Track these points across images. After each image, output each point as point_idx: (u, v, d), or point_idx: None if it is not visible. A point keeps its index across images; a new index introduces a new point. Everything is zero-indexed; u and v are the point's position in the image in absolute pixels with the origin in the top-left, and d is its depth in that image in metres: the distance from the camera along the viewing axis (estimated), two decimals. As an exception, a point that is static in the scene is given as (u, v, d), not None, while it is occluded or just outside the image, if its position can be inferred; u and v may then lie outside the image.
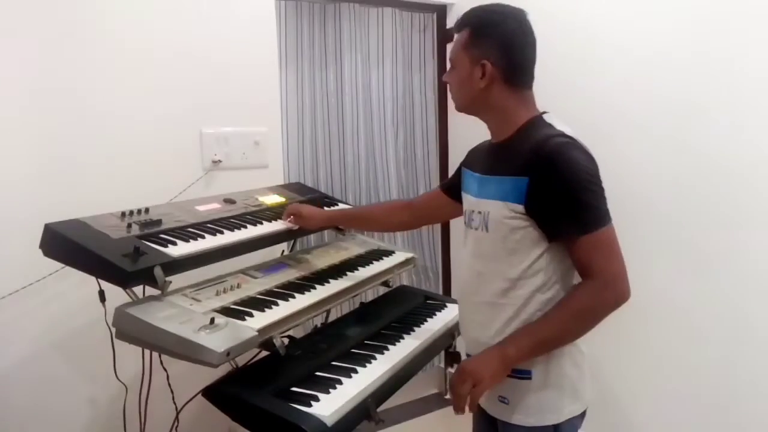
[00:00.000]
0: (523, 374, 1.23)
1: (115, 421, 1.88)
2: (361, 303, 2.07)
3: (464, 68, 1.26)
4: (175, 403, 1.84)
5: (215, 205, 1.81)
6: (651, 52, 1.99)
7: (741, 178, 1.78)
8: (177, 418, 1.85)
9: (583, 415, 1.31)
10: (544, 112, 1.29)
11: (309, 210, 1.81)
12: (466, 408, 1.19)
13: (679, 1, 1.90)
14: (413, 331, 1.77)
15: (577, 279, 1.22)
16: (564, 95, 2.31)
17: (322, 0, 2.59)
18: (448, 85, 1.35)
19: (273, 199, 1.97)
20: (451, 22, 2.83)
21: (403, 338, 1.71)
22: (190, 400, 1.74)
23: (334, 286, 1.66)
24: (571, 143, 1.18)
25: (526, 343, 1.18)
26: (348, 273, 1.77)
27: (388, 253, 2.01)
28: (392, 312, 1.90)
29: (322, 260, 1.85)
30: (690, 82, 1.88)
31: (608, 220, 1.17)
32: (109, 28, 1.96)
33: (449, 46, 2.92)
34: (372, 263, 1.88)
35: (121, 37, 1.98)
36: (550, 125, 1.23)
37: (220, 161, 2.19)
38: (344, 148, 2.77)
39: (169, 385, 1.84)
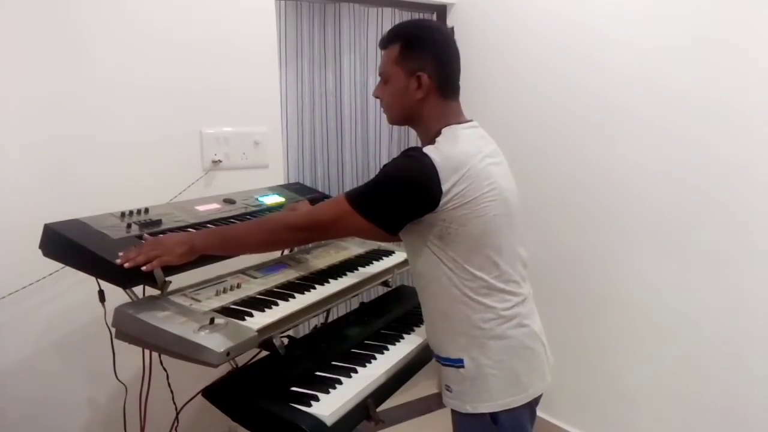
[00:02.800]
0: (456, 363, 1.32)
1: (115, 421, 1.89)
2: (361, 303, 2.07)
3: (399, 81, 1.33)
4: (175, 403, 1.84)
5: (215, 206, 1.81)
6: (652, 48, 1.99)
7: (744, 176, 1.78)
8: (177, 418, 1.85)
9: (530, 407, 1.35)
10: (458, 123, 1.33)
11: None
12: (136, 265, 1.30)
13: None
14: (413, 330, 1.76)
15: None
16: (565, 93, 2.32)
17: (322, 0, 2.59)
18: (379, 100, 1.42)
19: (273, 199, 1.97)
20: (451, 22, 2.83)
21: (402, 338, 1.71)
22: (190, 400, 1.74)
23: (334, 286, 1.66)
24: (413, 158, 1.24)
25: (213, 238, 1.39)
26: (348, 273, 1.77)
27: (388, 253, 2.01)
28: (392, 312, 1.90)
29: (321, 260, 1.85)
30: (692, 79, 1.88)
31: (360, 207, 1.26)
32: (108, 28, 1.95)
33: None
34: (372, 263, 1.88)
35: (120, 37, 1.98)
36: (436, 142, 1.28)
37: (220, 161, 2.19)
38: (342, 147, 2.78)
39: (169, 385, 1.84)
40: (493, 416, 1.30)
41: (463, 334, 1.30)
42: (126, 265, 1.30)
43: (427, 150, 1.24)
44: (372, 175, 2.95)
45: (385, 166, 1.31)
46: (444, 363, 1.36)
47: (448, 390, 1.36)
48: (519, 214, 1.36)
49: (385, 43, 1.36)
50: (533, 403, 1.36)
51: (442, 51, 1.32)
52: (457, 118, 1.35)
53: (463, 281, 1.27)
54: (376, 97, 1.42)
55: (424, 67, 1.30)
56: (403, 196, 1.24)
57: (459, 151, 1.25)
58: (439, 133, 1.30)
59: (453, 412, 1.38)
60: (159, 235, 1.45)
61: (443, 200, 1.21)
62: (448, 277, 1.28)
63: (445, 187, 1.21)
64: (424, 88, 1.30)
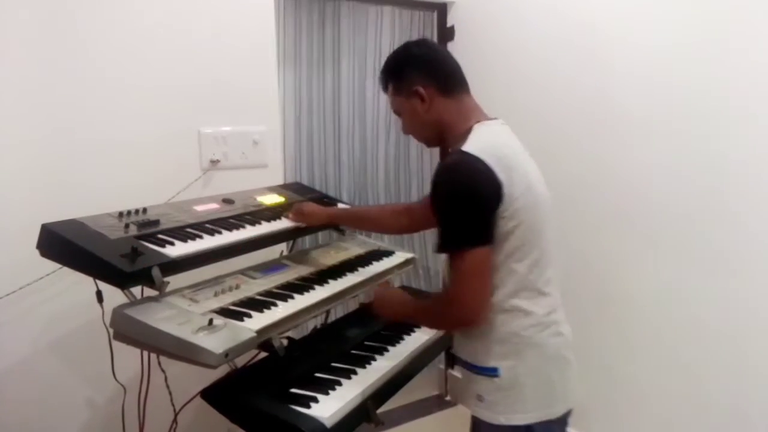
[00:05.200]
0: (491, 372, 1.26)
1: (114, 422, 1.87)
2: (361, 303, 2.06)
3: (407, 108, 1.37)
4: (173, 405, 1.84)
5: (214, 205, 1.80)
6: (654, 46, 1.98)
7: (748, 173, 1.76)
8: (175, 419, 1.85)
9: (562, 420, 1.30)
10: (488, 119, 1.33)
11: (310, 207, 1.83)
12: None
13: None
14: (413, 331, 1.76)
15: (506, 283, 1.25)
16: (566, 92, 2.31)
17: (322, -1, 2.59)
18: (410, 137, 1.45)
19: (272, 199, 1.96)
20: (452, 21, 2.82)
21: (402, 339, 1.70)
22: (189, 401, 1.73)
23: (334, 286, 1.65)
24: (457, 164, 1.21)
25: (405, 312, 1.45)
26: (348, 273, 1.76)
27: (388, 253, 2.00)
28: (392, 312, 1.89)
29: (321, 260, 1.85)
30: (694, 76, 1.87)
31: (469, 244, 1.19)
32: (107, 28, 1.95)
33: (449, 45, 2.93)
34: (372, 263, 1.87)
35: (119, 37, 1.97)
36: (470, 138, 1.25)
37: (218, 161, 2.18)
38: (340, 146, 2.77)
39: (168, 386, 1.83)
40: (528, 429, 1.25)
41: (501, 342, 1.25)
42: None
43: (466, 148, 1.21)
44: (370, 176, 2.96)
45: (440, 192, 1.22)
46: (477, 372, 1.30)
47: (479, 400, 1.29)
48: (553, 214, 1.33)
49: (383, 87, 1.43)
50: (566, 416, 1.31)
51: (424, 59, 1.35)
52: (483, 114, 1.35)
53: (506, 285, 1.23)
54: (406, 134, 1.45)
55: (416, 81, 1.33)
56: (478, 201, 1.19)
57: (497, 143, 1.25)
58: (470, 131, 1.28)
59: (480, 423, 1.31)
60: (384, 296, 1.53)
61: (504, 191, 1.18)
62: (493, 284, 1.23)
63: (501, 177, 1.18)
64: (426, 97, 1.32)
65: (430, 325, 1.62)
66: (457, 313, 1.25)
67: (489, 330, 1.26)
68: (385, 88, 1.42)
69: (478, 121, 1.30)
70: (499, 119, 1.36)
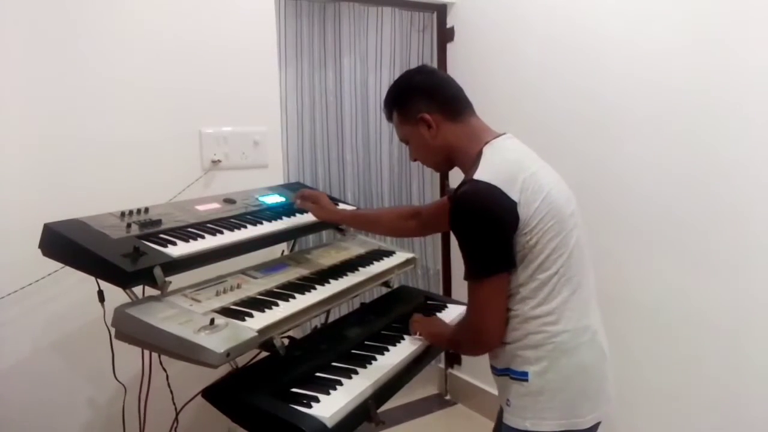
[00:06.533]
0: (520, 375, 1.26)
1: (115, 421, 1.88)
2: (362, 303, 2.06)
3: (414, 135, 1.39)
4: (174, 404, 1.84)
5: (215, 205, 1.81)
6: (656, 46, 1.98)
7: (747, 174, 1.77)
8: (176, 418, 1.85)
9: (592, 430, 1.28)
10: (495, 138, 1.33)
11: (325, 201, 1.82)
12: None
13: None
14: (414, 331, 1.76)
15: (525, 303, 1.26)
16: (566, 92, 2.31)
17: (322, -1, 2.59)
18: (418, 162, 1.48)
19: (273, 199, 1.97)
20: (451, 22, 2.83)
21: (403, 339, 1.70)
22: (190, 400, 1.73)
23: (335, 286, 1.65)
24: (470, 194, 1.21)
25: (440, 342, 1.65)
26: (348, 273, 1.76)
27: (389, 253, 2.00)
28: (393, 312, 1.89)
29: (322, 260, 1.85)
30: (697, 77, 1.87)
31: (485, 274, 1.23)
32: (108, 28, 1.95)
33: (449, 46, 2.94)
34: (372, 263, 1.87)
35: (120, 37, 1.97)
36: (480, 164, 1.25)
37: (219, 161, 2.19)
38: (343, 146, 2.77)
39: (169, 385, 1.83)
40: None
41: (532, 347, 1.24)
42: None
43: (477, 176, 1.22)
44: (373, 175, 2.97)
45: (458, 225, 1.24)
46: (509, 376, 1.29)
47: (507, 405, 1.30)
48: (579, 214, 1.32)
49: (388, 116, 1.45)
50: (595, 428, 1.29)
51: (426, 85, 1.37)
52: (490, 133, 1.34)
53: (537, 295, 1.23)
54: (414, 160, 1.47)
55: (420, 108, 1.34)
56: (494, 228, 1.20)
57: (506, 161, 1.26)
58: (480, 154, 1.28)
59: (506, 426, 1.30)
60: (427, 324, 1.69)
61: (520, 210, 1.19)
62: (523, 296, 1.24)
63: (515, 197, 1.19)
64: (433, 123, 1.34)
65: (459, 353, 1.68)
66: (475, 339, 1.32)
67: (521, 336, 1.25)
68: (390, 118, 1.44)
69: (487, 142, 1.30)
70: (507, 134, 1.35)
